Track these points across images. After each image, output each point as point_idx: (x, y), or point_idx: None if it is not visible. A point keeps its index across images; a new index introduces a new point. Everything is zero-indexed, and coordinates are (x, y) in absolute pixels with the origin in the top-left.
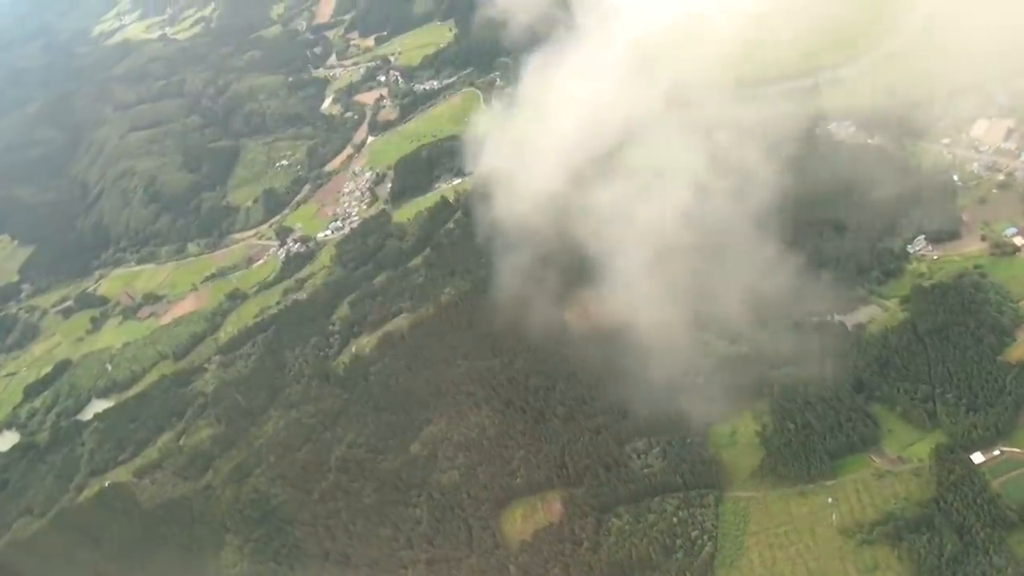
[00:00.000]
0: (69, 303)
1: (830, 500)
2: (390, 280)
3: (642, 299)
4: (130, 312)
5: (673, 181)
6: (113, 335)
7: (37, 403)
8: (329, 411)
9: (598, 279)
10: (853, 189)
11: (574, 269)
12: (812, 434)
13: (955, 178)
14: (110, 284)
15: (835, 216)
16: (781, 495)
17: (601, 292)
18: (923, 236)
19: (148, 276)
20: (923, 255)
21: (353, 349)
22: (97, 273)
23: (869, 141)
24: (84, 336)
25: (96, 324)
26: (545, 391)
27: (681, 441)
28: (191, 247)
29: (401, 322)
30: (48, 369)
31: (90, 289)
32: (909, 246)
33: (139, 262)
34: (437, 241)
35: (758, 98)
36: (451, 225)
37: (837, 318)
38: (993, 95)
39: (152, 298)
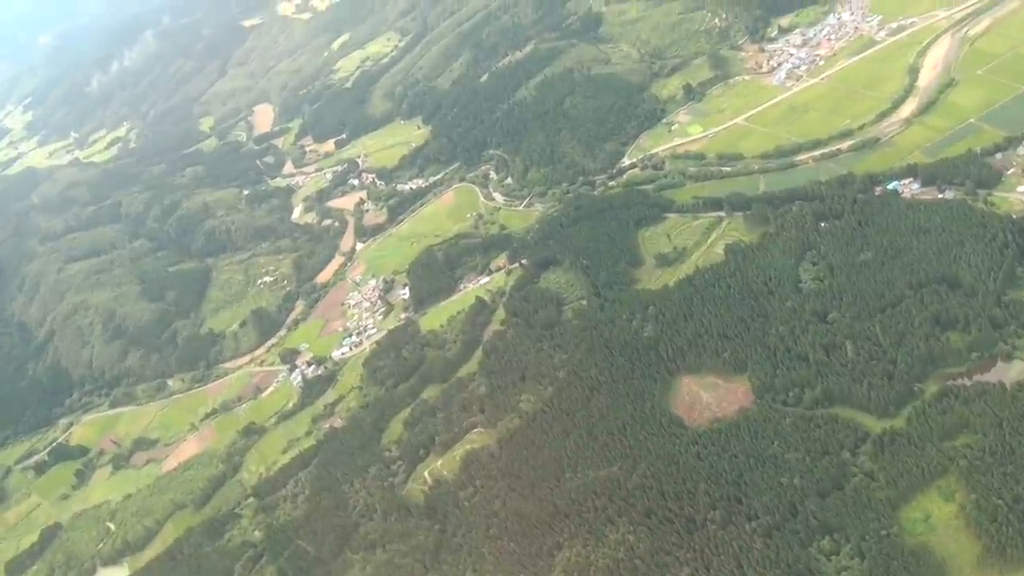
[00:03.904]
0: (40, 457)
1: None
2: (445, 394)
3: None
4: (121, 460)
5: None
6: (107, 488)
7: None
8: (424, 547)
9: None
10: (949, 244)
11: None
12: None
13: None
14: (84, 431)
15: (945, 273)
16: None
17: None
18: None
19: (130, 419)
20: None
21: (426, 474)
22: (64, 421)
23: (941, 196)
24: (70, 493)
25: (82, 477)
26: (688, 495)
27: (875, 534)
28: (174, 383)
29: (481, 438)
30: (33, 538)
31: (61, 439)
32: None
33: (113, 405)
34: (491, 345)
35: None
36: (500, 326)
37: (988, 379)
38: None
39: (144, 443)
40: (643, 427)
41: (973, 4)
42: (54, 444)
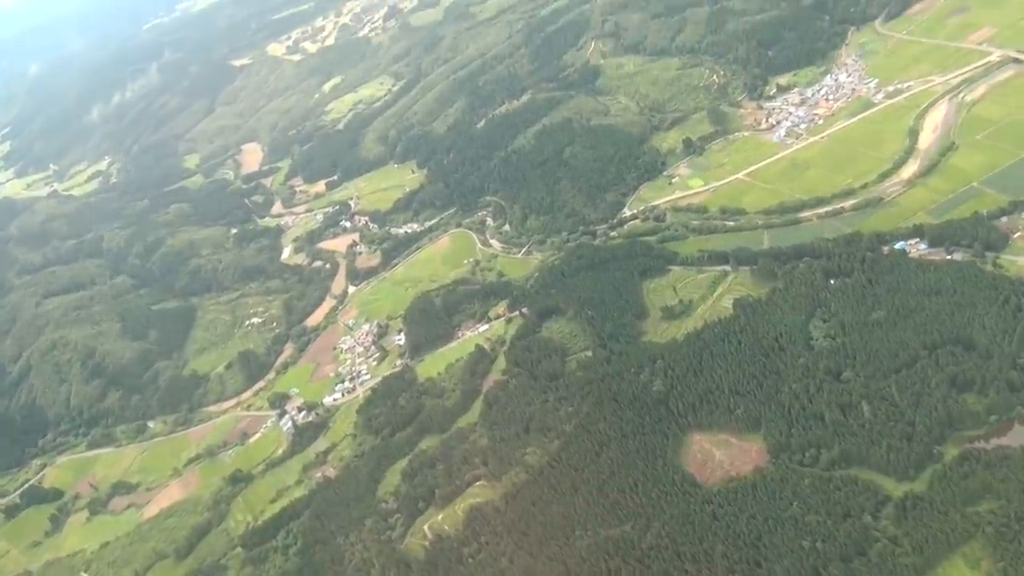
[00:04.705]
0: (10, 499)
1: None
2: (445, 444)
3: None
4: (98, 505)
5: None
6: (82, 535)
7: None
8: None
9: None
10: (962, 306)
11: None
12: None
13: None
14: (59, 473)
15: (959, 334)
16: None
17: (718, 436)
18: None
19: (108, 461)
20: None
21: (426, 528)
22: (37, 462)
23: (949, 257)
24: (42, 540)
25: (56, 523)
26: (705, 557)
27: None
28: (155, 425)
29: (484, 492)
30: None
31: (33, 481)
32: None
33: (91, 446)
34: (492, 395)
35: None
36: (501, 375)
37: (1007, 442)
38: None
39: (124, 487)
40: (655, 485)
41: (968, 71)
42: (26, 486)
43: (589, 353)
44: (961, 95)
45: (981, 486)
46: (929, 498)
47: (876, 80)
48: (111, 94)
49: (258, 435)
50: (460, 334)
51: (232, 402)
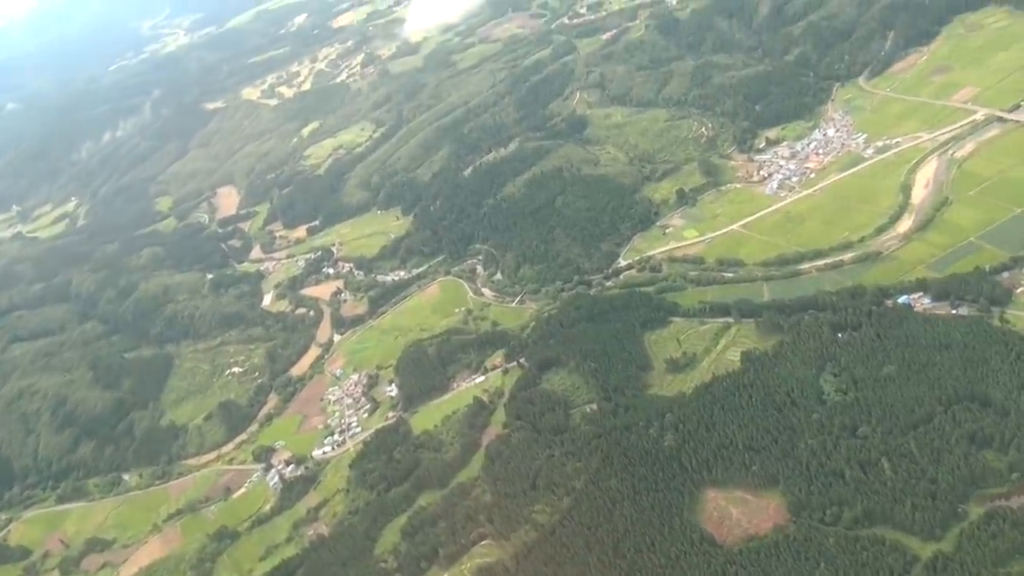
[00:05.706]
0: None
1: None
2: (446, 501)
3: None
4: (70, 564)
5: None
6: None
7: None
8: None
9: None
10: (974, 361)
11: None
12: None
13: None
14: (26, 529)
15: (974, 391)
16: None
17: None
18: None
19: (80, 516)
20: None
21: None
22: (3, 517)
23: (955, 312)
24: None
25: None
26: None
27: None
28: (131, 478)
29: (492, 551)
30: None
31: None
32: None
33: (61, 500)
34: (495, 450)
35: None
36: (501, 429)
37: None
38: None
39: (98, 543)
40: (673, 544)
41: (956, 128)
42: None
43: (594, 406)
44: (950, 152)
45: (1011, 546)
46: (959, 559)
47: (864, 135)
48: (100, 133)
49: (243, 490)
50: (455, 385)
51: (213, 455)
